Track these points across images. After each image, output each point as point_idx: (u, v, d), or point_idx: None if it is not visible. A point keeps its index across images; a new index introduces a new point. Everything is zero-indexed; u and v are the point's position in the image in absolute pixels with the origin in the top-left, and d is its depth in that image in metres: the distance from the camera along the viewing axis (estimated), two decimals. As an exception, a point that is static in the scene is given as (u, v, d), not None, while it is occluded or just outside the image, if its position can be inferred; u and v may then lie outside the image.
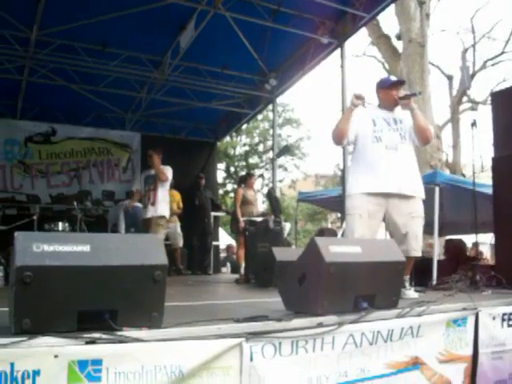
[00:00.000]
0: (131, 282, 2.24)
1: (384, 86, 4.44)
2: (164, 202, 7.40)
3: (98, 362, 2.06)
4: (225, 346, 2.32)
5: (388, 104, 4.41)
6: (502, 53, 22.92)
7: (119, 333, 2.16)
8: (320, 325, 2.65)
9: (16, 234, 2.12)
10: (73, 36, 8.66)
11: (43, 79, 9.77)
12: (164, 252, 2.38)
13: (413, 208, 4.22)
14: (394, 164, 4.19)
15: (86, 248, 2.17)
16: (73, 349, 2.03)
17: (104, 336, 2.12)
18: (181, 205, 9.61)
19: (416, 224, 4.22)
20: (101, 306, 2.19)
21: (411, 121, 4.30)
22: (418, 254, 4.22)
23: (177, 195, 9.46)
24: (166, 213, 7.46)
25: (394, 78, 4.53)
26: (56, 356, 1.98)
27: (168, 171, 7.36)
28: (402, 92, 4.42)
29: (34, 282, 2.01)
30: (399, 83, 4.47)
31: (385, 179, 4.17)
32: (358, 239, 3.94)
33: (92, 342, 2.08)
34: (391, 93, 4.38)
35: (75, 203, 8.91)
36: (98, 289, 2.17)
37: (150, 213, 7.28)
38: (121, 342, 2.13)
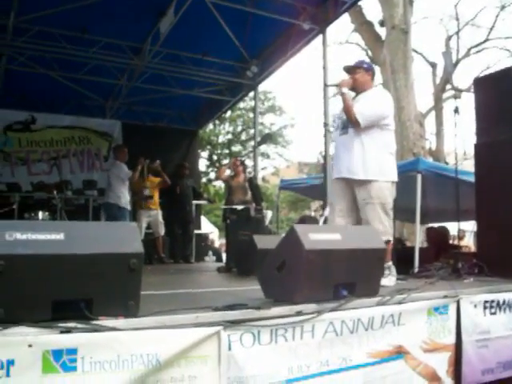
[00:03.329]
0: (106, 271, 2.21)
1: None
2: None
3: (73, 352, 2.04)
4: (202, 334, 2.31)
5: None
6: (486, 40, 22.88)
7: (95, 322, 2.13)
8: (299, 313, 2.64)
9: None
10: (51, 22, 8.46)
11: (22, 67, 9.59)
12: (140, 240, 2.34)
13: (367, 194, 4.24)
14: (345, 148, 4.31)
15: (60, 236, 2.14)
16: (47, 338, 2.02)
17: (79, 325, 2.10)
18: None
19: (368, 210, 4.23)
20: (76, 295, 2.17)
21: (364, 103, 4.31)
22: None
23: (156, 180, 9.26)
24: None
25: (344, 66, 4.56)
26: (30, 345, 1.97)
27: None
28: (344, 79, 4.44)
29: (6, 271, 1.98)
30: (345, 70, 4.52)
31: (339, 165, 4.35)
32: (338, 226, 3.94)
33: (67, 331, 2.07)
34: None
35: (55, 192, 8.78)
36: (73, 278, 2.15)
37: None
38: (96, 330, 2.11)
